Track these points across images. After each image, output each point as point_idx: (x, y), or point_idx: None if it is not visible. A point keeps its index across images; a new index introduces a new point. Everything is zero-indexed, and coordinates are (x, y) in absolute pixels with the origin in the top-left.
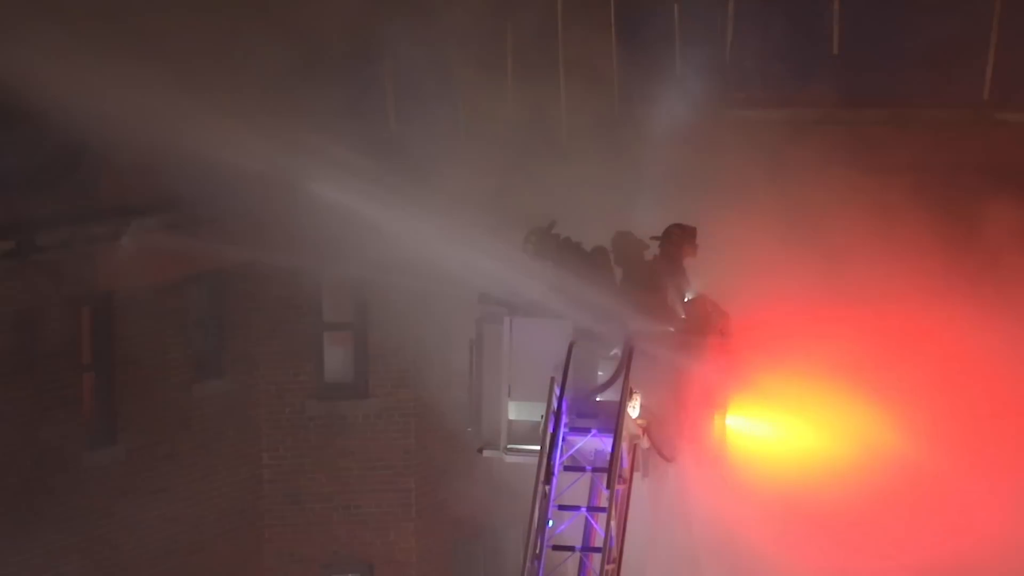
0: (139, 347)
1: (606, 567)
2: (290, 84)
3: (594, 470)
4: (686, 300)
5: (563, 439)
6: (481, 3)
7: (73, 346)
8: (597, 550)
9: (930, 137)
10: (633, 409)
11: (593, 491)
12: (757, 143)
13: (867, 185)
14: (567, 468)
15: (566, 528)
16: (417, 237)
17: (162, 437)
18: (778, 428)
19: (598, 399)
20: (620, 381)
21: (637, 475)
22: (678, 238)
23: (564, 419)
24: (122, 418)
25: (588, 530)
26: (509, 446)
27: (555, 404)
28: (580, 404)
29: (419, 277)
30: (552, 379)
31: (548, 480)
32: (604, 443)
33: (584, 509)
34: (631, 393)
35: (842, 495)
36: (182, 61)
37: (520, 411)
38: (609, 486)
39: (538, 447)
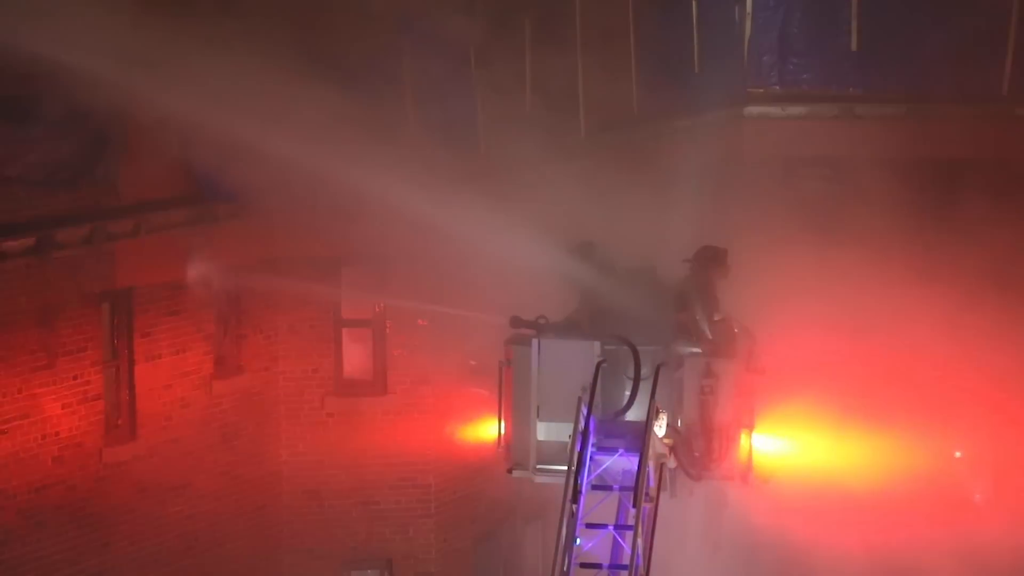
0: (159, 343)
1: None
2: (310, 80)
3: (621, 489)
4: (715, 321)
5: (591, 458)
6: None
7: (94, 342)
8: (624, 567)
9: (949, 132)
10: (659, 428)
11: (620, 509)
12: (775, 139)
13: (885, 181)
14: (595, 487)
15: (593, 546)
16: (434, 228)
17: (182, 433)
18: (802, 445)
19: (626, 419)
20: (642, 399)
21: (664, 494)
22: (707, 260)
23: (592, 439)
24: (143, 415)
25: (615, 548)
26: (538, 466)
27: (583, 424)
28: (607, 424)
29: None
30: (580, 399)
31: (576, 499)
32: (631, 462)
33: (611, 527)
34: (657, 412)
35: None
36: (200, 57)
37: (548, 431)
38: (636, 505)
39: (566, 467)
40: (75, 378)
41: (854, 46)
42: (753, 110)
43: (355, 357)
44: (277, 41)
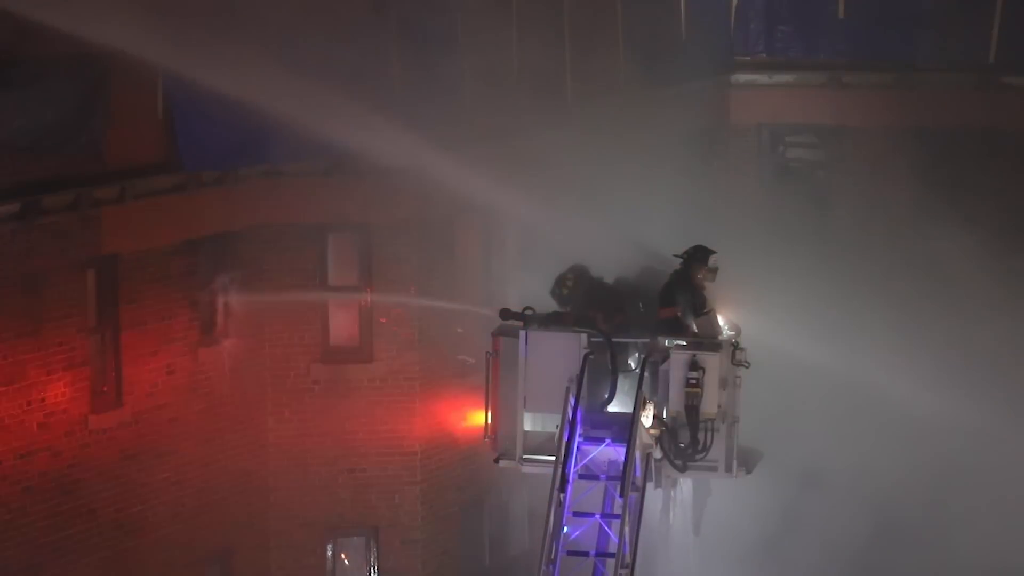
0: (145, 310)
1: (619, 571)
2: (295, 45)
3: (608, 478)
4: (700, 315)
5: (578, 448)
6: None
7: (79, 309)
8: (611, 555)
9: (935, 100)
10: (646, 419)
11: (607, 499)
12: (762, 107)
13: (871, 149)
14: (582, 476)
15: (580, 534)
16: (419, 195)
17: (168, 400)
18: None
19: (612, 410)
20: (629, 390)
21: (648, 484)
22: (695, 259)
23: (579, 429)
24: (128, 381)
25: (602, 536)
26: (524, 456)
27: (570, 414)
28: (594, 415)
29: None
30: (568, 389)
31: (563, 488)
32: (617, 453)
33: (598, 516)
34: (644, 403)
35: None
36: (184, 17)
37: (535, 422)
38: (623, 494)
39: (553, 457)
40: (60, 344)
41: (841, 14)
42: (740, 78)
43: (341, 324)
44: (263, 7)
